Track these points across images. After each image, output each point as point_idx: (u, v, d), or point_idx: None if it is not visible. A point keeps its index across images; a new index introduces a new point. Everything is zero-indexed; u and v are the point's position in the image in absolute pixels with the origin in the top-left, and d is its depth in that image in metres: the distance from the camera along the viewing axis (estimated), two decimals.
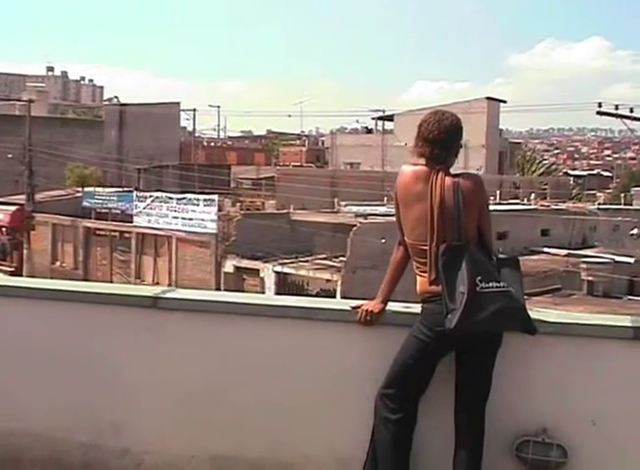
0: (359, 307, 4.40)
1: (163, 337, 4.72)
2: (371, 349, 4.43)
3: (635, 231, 24.28)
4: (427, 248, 4.06)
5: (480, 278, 3.92)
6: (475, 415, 4.18)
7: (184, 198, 36.66)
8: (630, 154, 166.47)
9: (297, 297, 4.90)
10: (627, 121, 24.27)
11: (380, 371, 4.25)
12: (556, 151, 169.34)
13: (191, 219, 35.36)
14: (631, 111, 24.33)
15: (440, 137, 4.15)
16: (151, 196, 38.52)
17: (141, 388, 4.74)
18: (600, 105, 24.80)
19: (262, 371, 4.58)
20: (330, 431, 4.51)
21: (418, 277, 4.16)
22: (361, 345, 4.47)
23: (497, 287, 3.94)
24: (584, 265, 29.53)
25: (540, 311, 4.39)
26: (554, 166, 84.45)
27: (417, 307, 4.24)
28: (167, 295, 4.76)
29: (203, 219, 34.88)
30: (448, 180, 4.07)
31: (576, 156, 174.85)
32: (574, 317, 4.52)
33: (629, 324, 4.24)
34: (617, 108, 24.27)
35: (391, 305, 4.39)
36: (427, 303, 4.11)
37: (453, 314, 3.89)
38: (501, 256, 4.19)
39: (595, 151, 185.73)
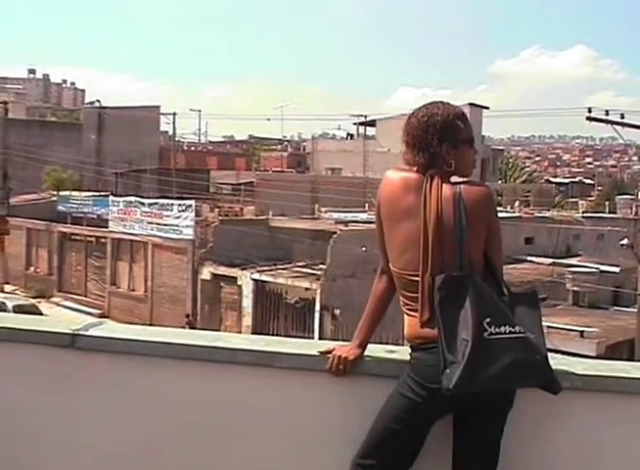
0: (330, 352, 3.44)
1: (84, 384, 3.74)
2: (344, 405, 3.48)
3: (625, 241, 23.57)
4: (418, 279, 3.09)
5: (488, 320, 2.94)
6: None
7: (157, 203, 35.96)
8: (612, 161, 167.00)
9: (253, 336, 3.88)
10: (617, 128, 23.50)
11: (355, 433, 3.31)
12: (537, 158, 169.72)
13: (166, 225, 34.69)
14: (622, 117, 23.61)
15: (407, 140, 3.26)
16: (124, 201, 37.80)
17: (58, 447, 3.76)
18: (590, 110, 24.13)
19: (207, 430, 3.61)
20: None
21: (406, 317, 3.19)
22: (332, 399, 3.51)
23: (511, 332, 2.96)
24: (570, 275, 29.03)
25: (564, 360, 3.43)
26: (535, 174, 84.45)
27: (404, 352, 3.30)
28: (89, 332, 3.77)
29: (178, 225, 34.21)
30: (447, 189, 3.11)
31: (558, 163, 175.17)
32: (607, 368, 3.52)
33: None
34: (607, 113, 23.55)
35: (371, 349, 3.45)
36: (417, 350, 3.15)
37: (453, 369, 2.92)
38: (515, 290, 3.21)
39: (576, 158, 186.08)
